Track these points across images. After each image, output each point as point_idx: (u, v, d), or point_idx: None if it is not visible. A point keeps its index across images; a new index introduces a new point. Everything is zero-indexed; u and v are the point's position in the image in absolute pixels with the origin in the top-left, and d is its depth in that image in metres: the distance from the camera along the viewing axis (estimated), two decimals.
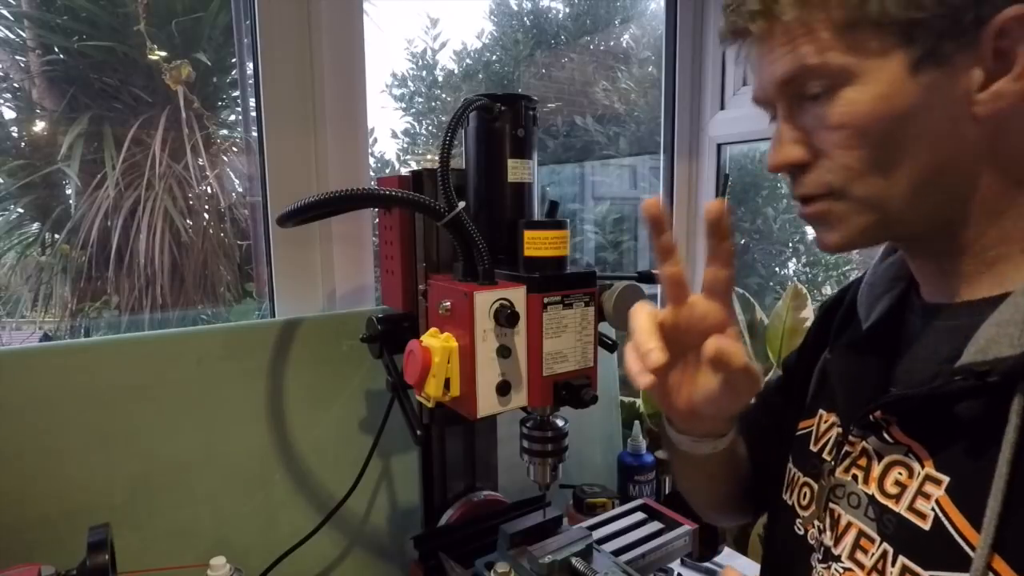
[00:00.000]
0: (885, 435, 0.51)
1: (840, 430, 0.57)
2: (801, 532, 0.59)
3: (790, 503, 0.62)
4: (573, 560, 0.79)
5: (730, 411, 0.57)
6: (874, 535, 0.50)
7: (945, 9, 0.43)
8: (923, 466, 0.47)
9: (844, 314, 0.62)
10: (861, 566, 0.51)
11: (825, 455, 0.58)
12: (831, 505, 0.55)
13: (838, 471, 0.55)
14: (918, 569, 0.46)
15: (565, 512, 0.92)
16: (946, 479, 0.45)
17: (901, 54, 0.44)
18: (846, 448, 0.55)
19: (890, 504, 0.49)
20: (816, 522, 0.57)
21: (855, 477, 0.53)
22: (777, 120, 0.52)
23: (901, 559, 0.47)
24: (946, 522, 0.44)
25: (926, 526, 0.46)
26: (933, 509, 0.46)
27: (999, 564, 0.41)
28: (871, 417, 0.51)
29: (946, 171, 0.47)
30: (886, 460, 0.50)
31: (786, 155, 0.51)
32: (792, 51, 0.47)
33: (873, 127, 0.46)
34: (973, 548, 0.42)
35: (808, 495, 0.59)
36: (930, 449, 0.47)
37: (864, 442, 0.53)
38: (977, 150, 0.46)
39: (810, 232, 2.29)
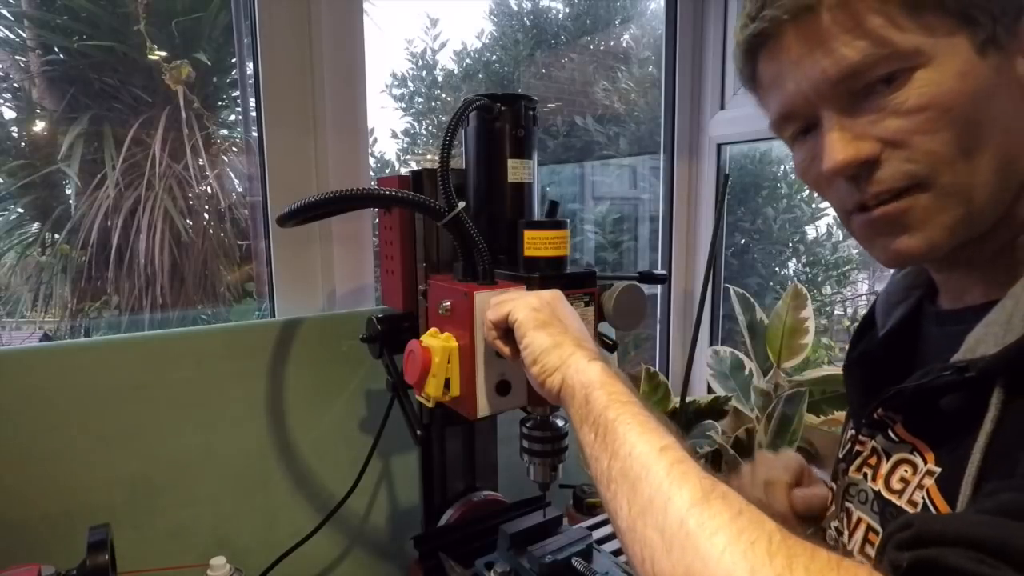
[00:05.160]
0: (891, 433, 0.52)
1: (853, 432, 0.58)
2: (831, 531, 0.61)
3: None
4: (573, 560, 0.79)
5: None
6: (878, 528, 0.52)
7: None
8: (926, 462, 0.48)
9: (863, 325, 0.63)
10: (871, 559, 0.52)
11: (843, 457, 0.60)
12: (846, 503, 0.57)
13: (851, 470, 0.57)
14: None
15: (565, 512, 0.92)
16: (939, 471, 0.47)
17: (966, 36, 0.43)
18: (856, 448, 0.56)
19: (893, 499, 0.50)
20: (835, 521, 0.59)
21: (865, 475, 0.55)
22: (820, 129, 0.48)
23: None
24: (931, 508, 0.46)
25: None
26: (923, 498, 0.47)
27: None
28: (875, 415, 0.52)
29: (1016, 158, 0.45)
30: (894, 458, 0.51)
31: (853, 154, 0.46)
32: (856, 38, 0.44)
33: (957, 106, 0.43)
34: None
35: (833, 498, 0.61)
36: (931, 445, 0.48)
37: (873, 441, 0.54)
38: None
39: (810, 232, 2.29)
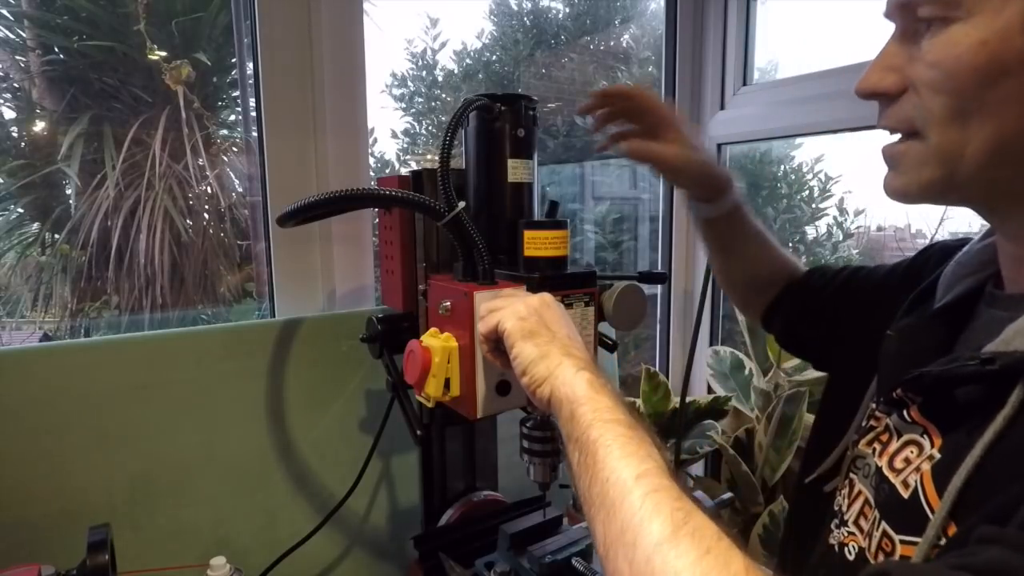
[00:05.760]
0: (906, 414, 0.51)
1: (873, 406, 0.57)
2: (838, 499, 0.60)
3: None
4: (573, 560, 0.79)
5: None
6: (873, 501, 0.52)
7: None
8: (933, 446, 0.48)
9: (920, 294, 0.60)
10: (862, 530, 0.53)
11: (857, 429, 0.59)
12: (851, 474, 0.57)
13: (861, 443, 0.56)
14: (892, 533, 0.47)
15: (565, 512, 0.92)
16: (939, 457, 0.46)
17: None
18: (871, 423, 0.56)
19: (891, 476, 0.50)
20: (838, 488, 0.59)
21: (874, 450, 0.54)
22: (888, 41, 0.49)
23: (883, 524, 0.49)
24: (920, 493, 0.45)
25: (906, 495, 0.47)
26: (916, 481, 0.47)
27: (954, 532, 0.41)
28: (894, 395, 0.51)
29: None
30: (904, 438, 0.51)
31: (875, 82, 0.48)
32: None
33: (964, 74, 0.42)
34: None
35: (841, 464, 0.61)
36: (941, 431, 0.48)
37: (888, 419, 0.54)
38: None
39: (809, 232, 2.30)
